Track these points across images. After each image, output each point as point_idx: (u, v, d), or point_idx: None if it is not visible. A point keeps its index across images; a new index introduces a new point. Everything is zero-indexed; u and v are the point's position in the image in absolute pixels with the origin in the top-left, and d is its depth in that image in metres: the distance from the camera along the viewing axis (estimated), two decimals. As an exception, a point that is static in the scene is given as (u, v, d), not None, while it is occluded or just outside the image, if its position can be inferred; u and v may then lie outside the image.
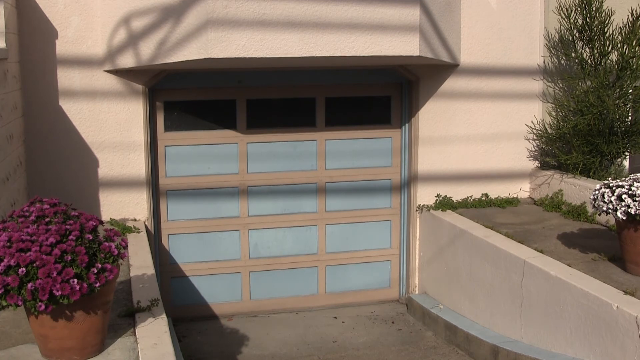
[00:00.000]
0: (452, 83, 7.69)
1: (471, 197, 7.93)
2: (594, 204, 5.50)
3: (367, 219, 8.00)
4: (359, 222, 7.98)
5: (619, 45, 7.35)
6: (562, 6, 7.55)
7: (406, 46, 6.52)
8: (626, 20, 7.30)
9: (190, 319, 7.52)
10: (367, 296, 8.09)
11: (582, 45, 7.60)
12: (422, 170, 7.77)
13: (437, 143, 7.76)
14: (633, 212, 5.13)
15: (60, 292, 3.49)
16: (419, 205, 7.83)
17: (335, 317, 7.66)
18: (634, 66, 7.26)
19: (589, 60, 7.53)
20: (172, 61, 6.29)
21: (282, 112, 7.75)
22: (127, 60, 6.59)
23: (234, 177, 7.55)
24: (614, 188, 5.33)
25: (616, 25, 7.40)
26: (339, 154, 7.83)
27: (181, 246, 7.52)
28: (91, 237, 3.75)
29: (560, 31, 7.72)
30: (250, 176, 7.59)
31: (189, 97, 7.39)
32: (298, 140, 7.70)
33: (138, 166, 7.03)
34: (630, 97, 7.37)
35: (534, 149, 8.05)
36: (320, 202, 7.81)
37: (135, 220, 7.06)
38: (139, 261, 5.69)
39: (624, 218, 5.24)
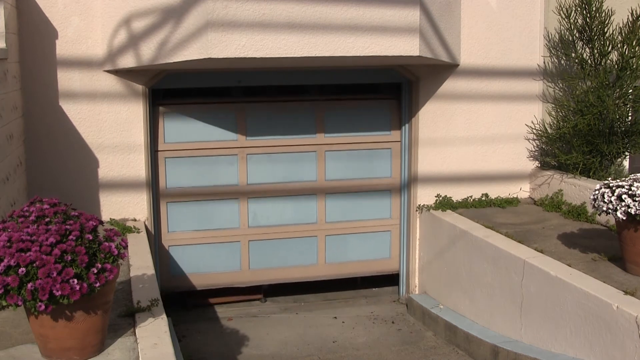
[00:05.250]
0: (452, 83, 7.69)
1: (471, 197, 7.92)
2: (594, 204, 5.50)
3: (367, 187, 7.98)
4: (359, 192, 7.98)
5: (619, 45, 7.35)
6: (562, 6, 7.55)
7: (406, 46, 6.52)
8: (626, 20, 7.30)
9: (188, 288, 7.54)
10: (367, 266, 8.09)
11: (582, 45, 7.59)
12: (422, 170, 7.77)
13: (437, 143, 7.76)
14: (633, 212, 5.13)
15: (60, 292, 3.49)
16: (419, 205, 7.83)
17: (335, 317, 7.66)
18: (634, 66, 7.26)
19: (589, 60, 7.53)
20: (172, 61, 6.30)
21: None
22: (127, 61, 6.59)
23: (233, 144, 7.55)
24: (614, 188, 5.33)
25: (616, 25, 7.39)
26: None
27: (179, 214, 7.47)
28: (91, 237, 3.75)
29: (560, 31, 7.72)
30: (250, 142, 7.59)
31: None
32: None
33: (138, 166, 7.03)
34: (630, 97, 7.37)
35: (534, 149, 8.05)
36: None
37: (135, 220, 7.06)
38: (139, 261, 5.69)
39: (624, 218, 5.23)
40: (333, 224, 7.95)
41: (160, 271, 7.38)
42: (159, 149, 7.32)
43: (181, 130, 7.37)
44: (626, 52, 7.27)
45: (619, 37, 7.34)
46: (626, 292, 5.09)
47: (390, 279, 8.39)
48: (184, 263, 7.57)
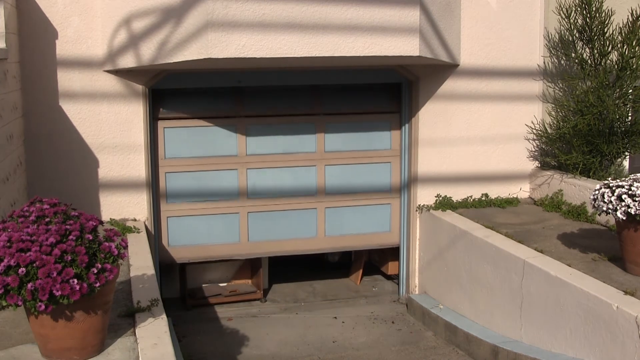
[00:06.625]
0: (452, 83, 7.69)
1: (471, 197, 7.93)
2: (594, 204, 5.50)
3: (367, 160, 7.96)
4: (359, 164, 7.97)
5: (619, 46, 7.35)
6: (562, 6, 7.55)
7: (406, 46, 6.52)
8: (626, 21, 7.30)
9: (187, 260, 7.53)
10: (366, 240, 8.07)
11: (582, 45, 7.60)
12: (422, 170, 7.77)
13: (437, 143, 7.76)
14: (633, 212, 5.13)
15: (60, 292, 3.49)
16: (419, 205, 7.83)
17: (335, 317, 7.66)
18: (634, 66, 7.26)
19: (589, 61, 7.53)
20: (172, 61, 6.30)
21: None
22: (127, 61, 6.59)
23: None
24: (614, 188, 5.33)
25: (616, 26, 7.39)
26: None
27: (178, 185, 7.43)
28: (91, 237, 3.75)
29: (560, 31, 7.72)
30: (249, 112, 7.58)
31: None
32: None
33: (138, 166, 7.03)
34: (630, 97, 7.37)
35: (534, 149, 8.05)
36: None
37: (135, 220, 7.06)
38: (139, 261, 5.69)
39: (624, 218, 5.23)
40: (333, 196, 7.90)
41: (159, 242, 7.39)
42: (159, 117, 7.28)
43: (180, 103, 7.33)
44: (626, 52, 7.27)
45: (619, 37, 7.34)
46: (626, 292, 5.10)
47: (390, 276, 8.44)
48: (182, 234, 7.51)
